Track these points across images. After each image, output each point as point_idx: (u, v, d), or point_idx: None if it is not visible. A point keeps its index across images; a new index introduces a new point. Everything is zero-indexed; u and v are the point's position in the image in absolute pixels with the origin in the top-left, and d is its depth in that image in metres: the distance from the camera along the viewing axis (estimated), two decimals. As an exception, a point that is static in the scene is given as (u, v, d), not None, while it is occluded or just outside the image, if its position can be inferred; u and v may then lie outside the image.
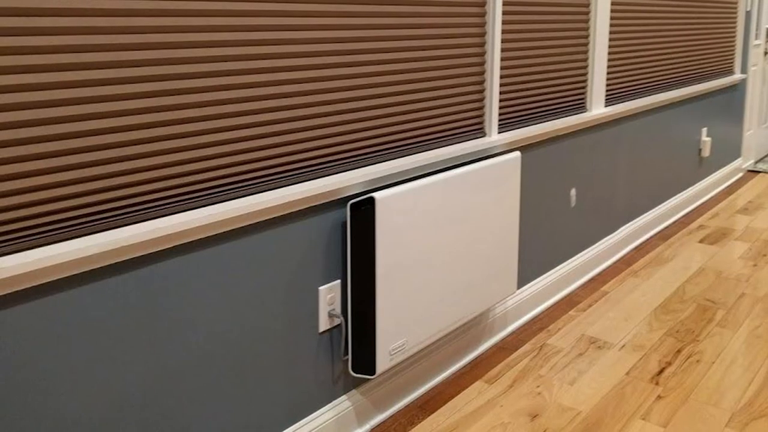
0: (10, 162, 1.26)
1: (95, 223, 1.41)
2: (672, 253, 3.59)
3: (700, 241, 3.78)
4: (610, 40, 3.17)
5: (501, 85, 2.50)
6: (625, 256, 3.56)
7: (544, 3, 2.67)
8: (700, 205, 4.46)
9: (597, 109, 3.10)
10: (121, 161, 1.43)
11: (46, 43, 1.28)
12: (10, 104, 1.25)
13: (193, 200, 1.58)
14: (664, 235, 3.88)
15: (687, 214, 4.28)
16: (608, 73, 3.20)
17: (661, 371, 2.42)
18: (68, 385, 1.38)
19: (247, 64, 1.63)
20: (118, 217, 1.44)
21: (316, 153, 1.85)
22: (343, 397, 2.03)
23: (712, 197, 4.64)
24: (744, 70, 4.93)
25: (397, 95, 2.07)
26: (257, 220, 1.69)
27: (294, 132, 1.77)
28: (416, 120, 2.15)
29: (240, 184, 1.67)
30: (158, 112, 1.48)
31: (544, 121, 2.76)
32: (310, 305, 1.88)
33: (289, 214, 1.78)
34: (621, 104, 3.29)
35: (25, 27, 1.25)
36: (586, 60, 3.01)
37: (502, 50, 2.48)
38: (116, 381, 1.46)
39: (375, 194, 1.86)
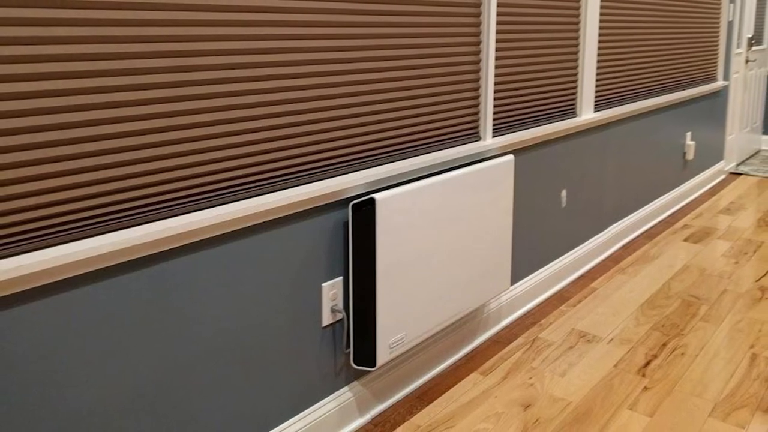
0: (29, 165, 1.26)
1: (108, 222, 1.41)
2: (658, 252, 3.59)
3: (685, 240, 3.77)
4: (599, 48, 3.16)
5: (495, 91, 2.50)
6: (613, 254, 3.56)
7: (537, 13, 2.67)
8: (684, 206, 4.45)
9: (587, 114, 3.10)
10: (134, 164, 1.43)
11: (62, 51, 1.28)
12: (29, 110, 1.25)
13: (201, 201, 1.57)
14: (650, 234, 3.88)
15: (672, 214, 4.28)
16: (597, 80, 3.20)
17: (647, 364, 2.42)
18: (83, 377, 1.38)
19: (254, 71, 1.63)
20: (130, 217, 1.44)
21: (320, 156, 1.84)
22: (345, 388, 2.02)
23: (695, 198, 4.64)
24: (726, 78, 4.92)
25: (397, 101, 2.06)
26: (263, 220, 1.69)
27: (298, 136, 1.77)
28: (415, 125, 2.15)
29: (247, 186, 1.67)
30: (169, 117, 1.47)
31: (537, 126, 2.76)
32: (314, 301, 1.88)
33: (294, 214, 1.78)
34: (609, 110, 3.29)
35: (42, 36, 1.25)
36: (576, 67, 3.01)
37: (496, 58, 2.47)
38: (129, 373, 1.46)
39: (375, 195, 1.86)
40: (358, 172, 1.95)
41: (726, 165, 5.26)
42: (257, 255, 1.70)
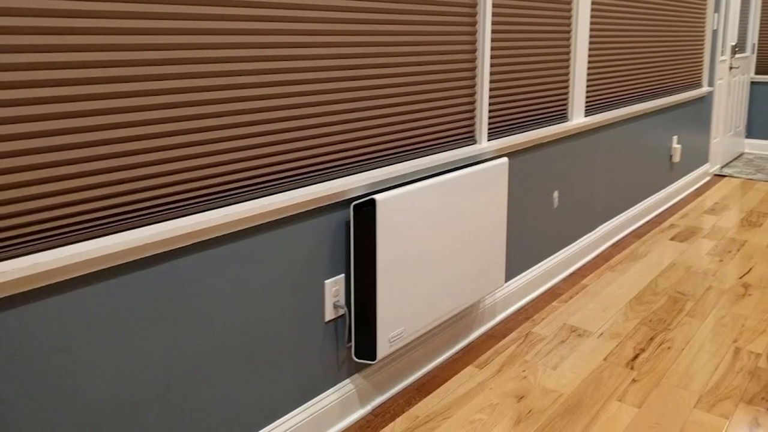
0: (45, 167, 1.26)
1: (120, 222, 1.40)
2: (646, 250, 3.59)
3: (671, 239, 3.77)
4: (590, 55, 3.16)
5: (490, 96, 2.50)
6: (603, 252, 3.56)
7: (530, 22, 2.66)
8: (671, 206, 4.45)
9: (578, 118, 3.10)
10: (144, 167, 1.43)
11: (77, 59, 1.28)
12: (45, 114, 1.25)
13: (209, 202, 1.57)
14: (638, 233, 3.88)
15: (659, 214, 4.28)
16: (588, 86, 3.20)
17: (635, 357, 2.42)
18: (97, 370, 1.38)
19: (259, 78, 1.63)
20: (141, 217, 1.44)
21: (323, 159, 1.84)
22: (347, 380, 2.02)
23: (681, 199, 4.64)
24: (711, 84, 4.92)
25: (396, 106, 2.06)
26: (268, 220, 1.69)
27: (302, 140, 1.77)
28: (413, 129, 2.15)
29: (252, 187, 1.67)
30: (178, 121, 1.47)
31: (530, 130, 2.76)
32: (317, 297, 1.88)
33: (298, 214, 1.78)
34: (599, 114, 3.29)
35: (57, 44, 1.25)
36: (567, 74, 3.01)
37: (491, 65, 2.47)
38: (140, 366, 1.46)
39: (376, 196, 1.86)
40: (359, 174, 1.95)
41: (711, 167, 5.26)
42: (263, 253, 1.70)
